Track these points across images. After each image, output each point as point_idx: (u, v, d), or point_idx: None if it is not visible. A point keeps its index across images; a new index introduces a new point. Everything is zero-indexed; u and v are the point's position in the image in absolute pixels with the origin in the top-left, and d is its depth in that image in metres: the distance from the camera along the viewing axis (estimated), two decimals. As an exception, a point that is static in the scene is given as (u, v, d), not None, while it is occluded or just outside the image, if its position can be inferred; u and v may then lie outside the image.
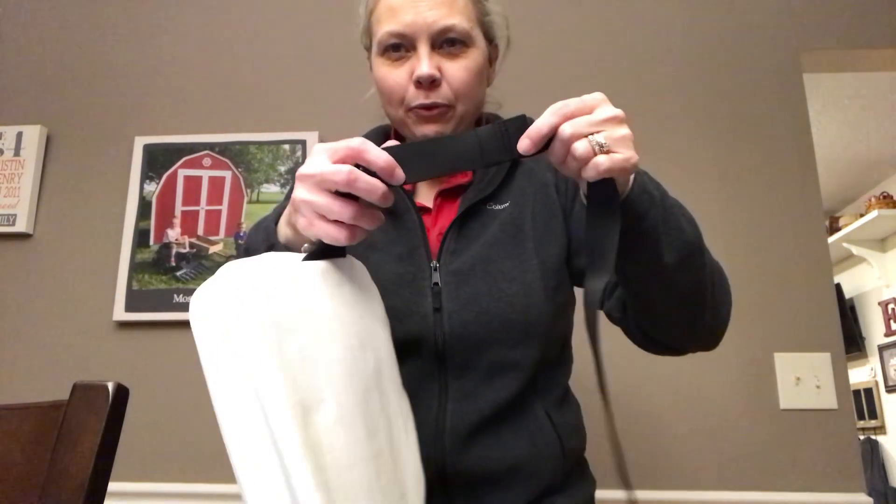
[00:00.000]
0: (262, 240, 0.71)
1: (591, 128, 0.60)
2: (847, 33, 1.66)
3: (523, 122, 0.61)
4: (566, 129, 0.59)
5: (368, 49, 0.89)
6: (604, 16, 1.70)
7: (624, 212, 0.64)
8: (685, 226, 0.71)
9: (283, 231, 0.69)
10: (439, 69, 0.80)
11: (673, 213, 0.69)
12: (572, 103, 0.61)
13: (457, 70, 0.81)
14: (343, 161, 0.60)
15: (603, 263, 0.61)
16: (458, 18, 0.80)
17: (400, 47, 0.81)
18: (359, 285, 0.65)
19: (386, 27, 0.81)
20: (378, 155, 0.59)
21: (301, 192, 0.61)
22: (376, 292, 0.67)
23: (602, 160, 0.59)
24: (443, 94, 0.80)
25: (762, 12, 1.68)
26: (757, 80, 1.63)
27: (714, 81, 1.63)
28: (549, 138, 0.60)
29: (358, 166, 0.59)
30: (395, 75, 0.81)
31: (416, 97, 0.80)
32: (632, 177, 0.65)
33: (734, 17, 1.68)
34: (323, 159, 0.60)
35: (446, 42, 0.80)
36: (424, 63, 0.78)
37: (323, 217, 0.60)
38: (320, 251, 0.62)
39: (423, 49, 0.79)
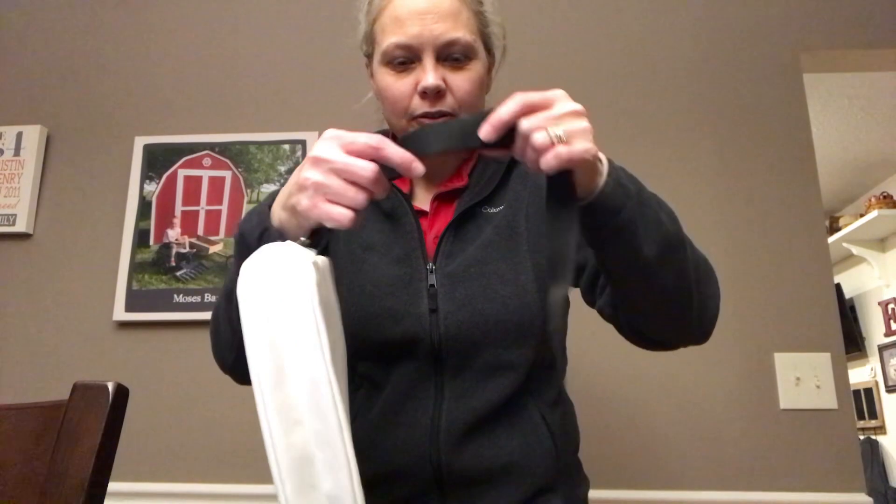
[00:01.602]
0: (255, 224, 0.72)
1: (550, 122, 0.61)
2: (847, 33, 1.66)
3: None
4: (525, 123, 0.61)
5: (368, 56, 0.90)
6: (603, 16, 1.70)
7: (599, 206, 0.66)
8: (664, 218, 0.71)
9: (278, 214, 0.69)
10: (444, 80, 0.81)
11: (650, 206, 0.70)
12: (534, 95, 0.63)
13: (461, 81, 0.82)
14: (361, 156, 0.62)
15: (561, 272, 0.62)
16: (462, 32, 0.82)
17: (405, 59, 0.82)
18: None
19: (392, 38, 0.82)
20: (396, 151, 0.63)
21: (313, 174, 0.62)
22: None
23: (561, 150, 0.60)
24: (447, 104, 0.82)
25: (762, 12, 1.68)
26: (757, 80, 1.63)
27: (714, 81, 1.63)
28: (512, 130, 0.63)
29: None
30: (400, 85, 0.82)
31: (421, 106, 0.81)
32: (605, 171, 0.67)
33: (734, 17, 1.68)
34: (337, 148, 0.63)
35: (451, 55, 0.82)
36: (431, 75, 0.80)
37: (330, 200, 0.62)
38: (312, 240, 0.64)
39: (429, 61, 0.81)
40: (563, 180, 0.63)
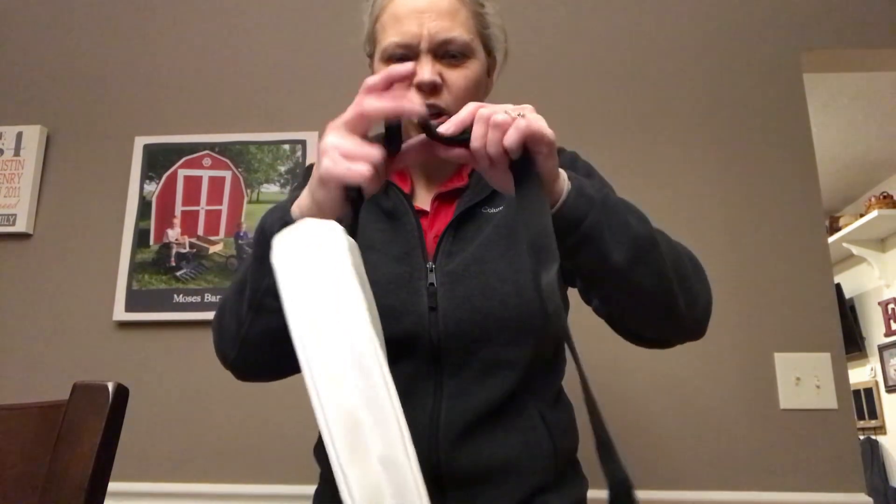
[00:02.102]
0: (276, 217, 0.72)
1: (508, 108, 0.65)
2: (847, 33, 1.66)
3: None
4: (484, 110, 0.65)
5: (371, 56, 0.92)
6: (603, 16, 1.70)
7: (562, 217, 0.68)
8: (632, 222, 0.72)
9: (299, 203, 0.71)
10: (440, 76, 0.83)
11: (616, 211, 0.71)
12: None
13: (457, 78, 0.84)
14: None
15: (547, 255, 0.62)
16: (459, 31, 0.84)
17: (403, 57, 0.84)
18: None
19: (391, 38, 0.84)
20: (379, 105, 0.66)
21: (332, 138, 0.66)
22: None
23: (520, 122, 0.63)
24: (443, 100, 0.83)
25: (762, 12, 1.68)
26: (757, 80, 1.63)
27: (714, 81, 1.63)
28: (468, 128, 0.66)
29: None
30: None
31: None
32: (565, 182, 0.69)
33: (734, 17, 1.68)
34: (349, 110, 0.67)
35: (448, 52, 0.84)
36: (426, 70, 0.82)
37: (348, 158, 0.64)
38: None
39: (426, 58, 0.82)
40: (527, 170, 0.65)
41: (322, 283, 0.53)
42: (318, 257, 0.54)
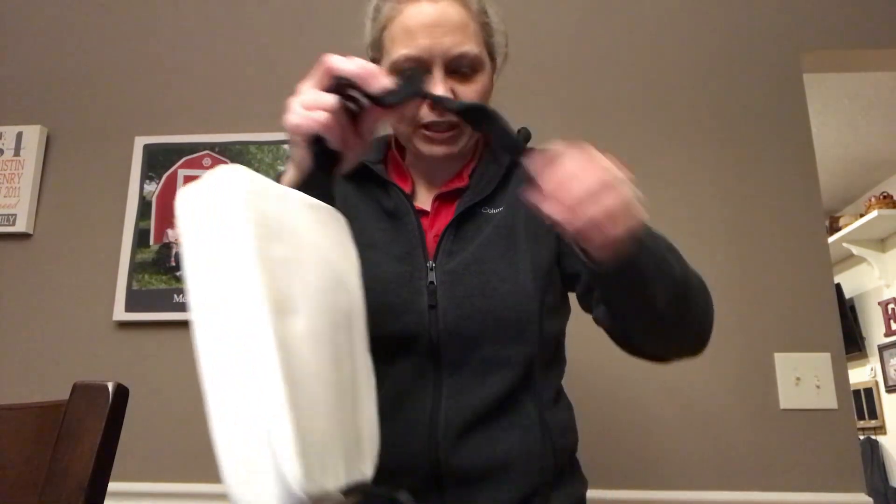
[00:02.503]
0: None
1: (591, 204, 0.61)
2: (847, 33, 1.66)
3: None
4: (582, 186, 0.61)
5: (375, 61, 0.91)
6: (603, 16, 1.70)
7: (620, 266, 0.66)
8: (675, 267, 0.72)
9: (286, 171, 0.74)
10: (452, 91, 0.83)
11: (665, 259, 0.71)
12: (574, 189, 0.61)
13: (469, 93, 0.84)
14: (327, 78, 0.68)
15: None
16: (470, 45, 0.83)
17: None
18: (341, 236, 0.66)
19: (402, 50, 0.83)
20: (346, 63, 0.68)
21: (295, 98, 0.68)
22: (354, 252, 0.67)
23: (608, 231, 0.61)
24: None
25: (762, 12, 1.68)
26: (757, 80, 1.63)
27: (714, 81, 1.63)
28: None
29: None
30: None
31: (429, 115, 0.84)
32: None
33: (734, 17, 1.68)
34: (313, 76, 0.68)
35: (459, 67, 0.84)
36: (439, 86, 0.81)
37: (306, 108, 0.66)
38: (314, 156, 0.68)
39: (438, 73, 0.82)
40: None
41: (213, 245, 0.51)
42: (210, 214, 0.52)
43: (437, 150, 0.85)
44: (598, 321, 0.86)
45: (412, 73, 0.72)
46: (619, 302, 0.73)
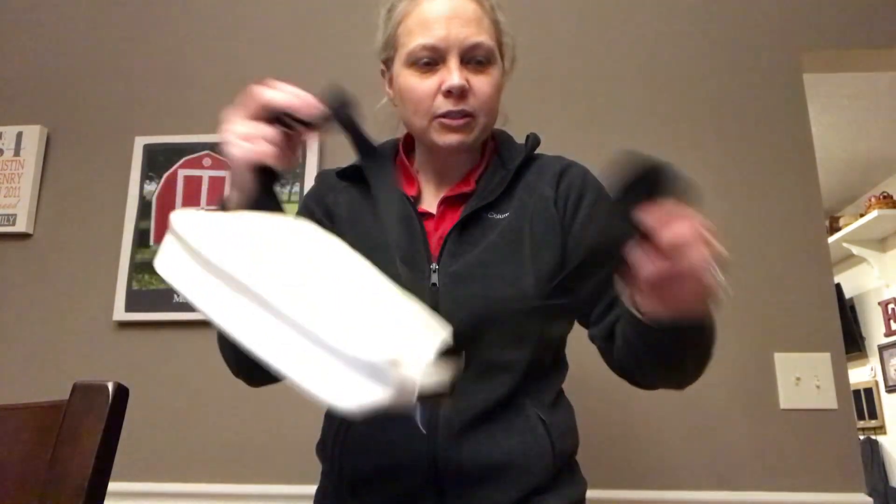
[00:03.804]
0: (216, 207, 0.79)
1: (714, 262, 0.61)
2: (847, 33, 1.66)
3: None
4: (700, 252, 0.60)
5: (386, 61, 0.93)
6: (604, 16, 1.70)
7: (682, 327, 0.65)
8: (711, 341, 0.73)
9: (227, 190, 0.76)
10: (467, 81, 0.85)
11: (710, 332, 0.72)
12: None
13: (482, 84, 0.86)
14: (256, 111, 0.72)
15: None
16: (484, 37, 0.86)
17: (430, 60, 0.86)
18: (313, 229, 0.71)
19: (419, 40, 0.85)
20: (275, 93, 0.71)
21: (230, 125, 0.72)
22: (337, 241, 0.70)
23: (719, 294, 0.62)
24: (469, 104, 0.85)
25: (762, 12, 1.68)
26: (757, 80, 1.63)
27: (714, 81, 1.63)
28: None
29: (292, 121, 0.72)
30: (425, 85, 0.86)
31: (444, 105, 0.85)
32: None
33: (734, 17, 1.68)
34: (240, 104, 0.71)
35: (474, 58, 0.86)
36: (455, 75, 0.84)
37: (247, 140, 0.70)
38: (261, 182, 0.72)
39: (454, 62, 0.84)
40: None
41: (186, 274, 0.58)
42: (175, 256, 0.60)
43: (453, 138, 0.86)
44: (593, 339, 0.87)
45: (338, 93, 0.74)
46: (652, 352, 0.73)
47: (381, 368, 0.47)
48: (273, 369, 0.49)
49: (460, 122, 0.85)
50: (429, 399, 0.51)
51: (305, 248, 0.63)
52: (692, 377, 0.78)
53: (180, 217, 0.61)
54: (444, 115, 0.85)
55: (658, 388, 0.84)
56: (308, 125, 0.72)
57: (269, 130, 0.70)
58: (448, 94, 0.84)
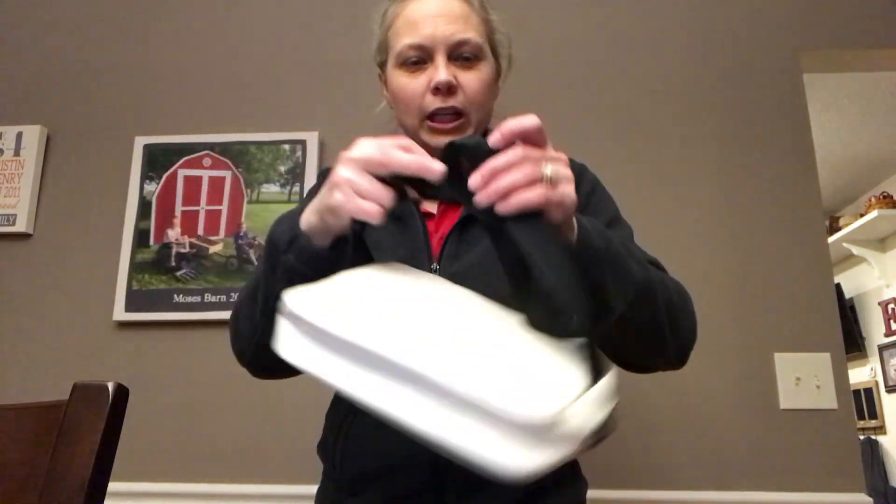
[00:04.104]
0: (285, 230, 0.73)
1: (544, 159, 0.61)
2: (847, 33, 1.66)
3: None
4: (518, 152, 0.61)
5: (381, 65, 0.94)
6: (603, 16, 1.70)
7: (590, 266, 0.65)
8: (634, 270, 0.71)
9: (307, 219, 0.71)
10: (455, 78, 0.85)
11: (619, 263, 0.70)
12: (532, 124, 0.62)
13: (471, 80, 0.86)
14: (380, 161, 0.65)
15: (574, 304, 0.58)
16: (472, 33, 0.87)
17: (418, 59, 0.86)
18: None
19: (406, 40, 0.86)
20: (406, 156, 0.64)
21: (344, 172, 0.64)
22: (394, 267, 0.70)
23: (550, 195, 0.60)
24: (458, 101, 0.85)
25: (762, 12, 1.68)
26: (757, 80, 1.63)
27: (714, 81, 1.63)
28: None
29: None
30: (414, 84, 0.86)
31: (434, 103, 0.85)
32: (575, 233, 0.66)
33: (734, 17, 1.68)
34: (368, 147, 0.65)
35: (461, 54, 0.86)
36: (442, 71, 0.84)
37: (360, 195, 0.63)
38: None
39: (441, 59, 0.85)
40: (533, 224, 0.59)
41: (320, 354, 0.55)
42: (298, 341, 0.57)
43: (444, 140, 0.84)
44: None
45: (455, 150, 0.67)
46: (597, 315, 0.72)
47: (544, 430, 0.45)
48: (434, 442, 0.49)
49: (450, 124, 0.85)
50: (595, 441, 0.49)
51: (417, 295, 0.60)
52: (668, 333, 0.76)
53: (295, 298, 0.58)
54: (435, 116, 0.85)
55: (653, 362, 0.82)
56: (422, 193, 0.66)
57: (386, 195, 0.63)
58: (436, 91, 0.84)
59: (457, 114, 0.86)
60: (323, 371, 0.55)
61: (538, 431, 0.45)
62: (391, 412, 0.50)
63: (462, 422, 0.47)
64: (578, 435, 0.47)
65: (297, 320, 0.57)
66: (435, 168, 0.62)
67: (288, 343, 0.58)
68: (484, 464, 0.46)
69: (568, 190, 0.62)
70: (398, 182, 0.65)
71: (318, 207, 0.70)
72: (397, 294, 0.62)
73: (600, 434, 0.50)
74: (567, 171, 0.63)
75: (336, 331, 0.54)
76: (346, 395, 0.53)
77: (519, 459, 0.45)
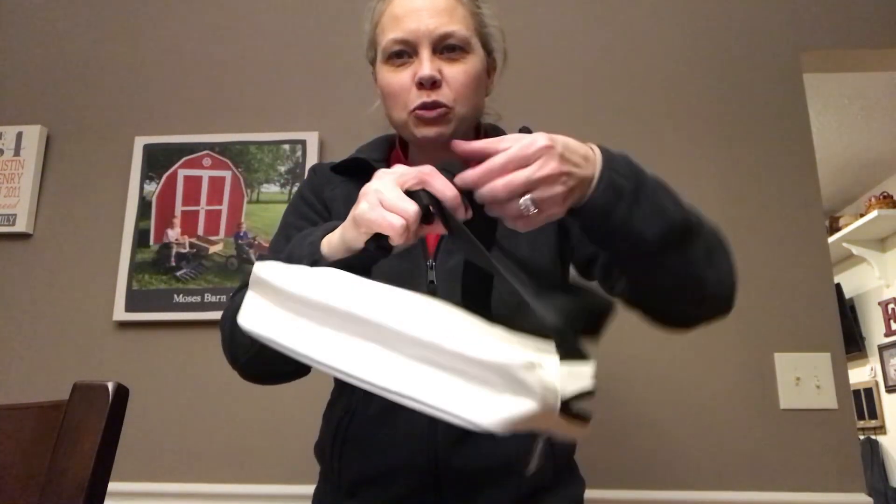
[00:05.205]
0: (306, 251, 0.72)
1: (527, 185, 0.64)
2: (847, 33, 1.66)
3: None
4: (500, 186, 0.64)
5: (373, 62, 0.93)
6: (603, 16, 1.70)
7: (587, 211, 0.67)
8: (668, 206, 0.71)
9: (332, 239, 0.70)
10: (440, 72, 0.84)
11: (648, 200, 0.69)
12: (511, 154, 0.64)
13: (456, 73, 0.85)
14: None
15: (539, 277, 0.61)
16: (457, 26, 0.85)
17: (403, 54, 0.85)
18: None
19: (391, 35, 0.85)
20: (445, 185, 0.65)
21: (377, 184, 0.65)
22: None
23: (533, 218, 0.65)
24: (443, 95, 0.84)
25: (762, 12, 1.68)
26: (757, 80, 1.63)
27: (714, 81, 1.63)
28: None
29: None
30: (399, 79, 0.85)
31: (419, 97, 0.84)
32: (595, 179, 0.67)
33: (734, 17, 1.68)
34: (407, 169, 0.66)
35: (446, 48, 0.85)
36: (426, 65, 0.83)
37: (385, 207, 0.63)
38: (367, 253, 0.67)
39: (425, 53, 0.84)
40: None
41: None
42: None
43: (430, 130, 0.84)
44: (622, 297, 0.84)
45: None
46: (609, 249, 0.74)
47: (521, 373, 0.43)
48: (399, 399, 0.48)
49: (433, 113, 0.83)
50: (575, 403, 0.48)
51: (389, 288, 0.59)
52: (710, 275, 0.75)
53: (265, 266, 0.59)
54: (420, 108, 0.84)
55: (686, 315, 0.81)
56: (448, 227, 0.66)
57: (412, 208, 0.63)
58: (420, 85, 0.83)
59: (441, 107, 0.84)
60: (286, 338, 0.54)
61: (513, 375, 0.44)
62: (358, 373, 0.49)
63: (435, 375, 0.46)
64: (554, 389, 0.46)
65: (262, 286, 0.57)
66: (462, 211, 0.64)
67: (250, 312, 0.58)
68: (459, 413, 0.45)
69: (555, 210, 0.65)
70: (429, 208, 0.64)
71: (343, 225, 0.69)
72: (368, 282, 0.61)
73: (577, 413, 0.49)
74: (553, 189, 0.64)
75: (300, 291, 0.54)
76: (309, 362, 0.53)
77: (494, 406, 0.44)
